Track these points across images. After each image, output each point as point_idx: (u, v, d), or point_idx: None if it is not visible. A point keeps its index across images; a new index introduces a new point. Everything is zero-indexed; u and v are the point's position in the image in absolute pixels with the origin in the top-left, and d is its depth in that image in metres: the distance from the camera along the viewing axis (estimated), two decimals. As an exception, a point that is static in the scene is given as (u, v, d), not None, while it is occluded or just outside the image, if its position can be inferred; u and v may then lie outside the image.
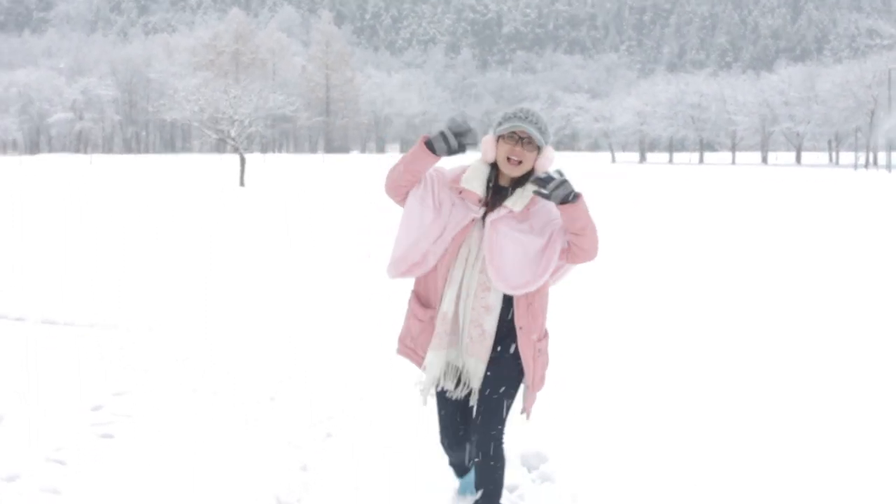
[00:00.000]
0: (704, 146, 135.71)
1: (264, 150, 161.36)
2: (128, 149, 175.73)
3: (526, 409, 4.87)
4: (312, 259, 16.47)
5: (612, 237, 18.36)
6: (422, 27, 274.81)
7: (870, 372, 8.49)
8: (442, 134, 4.46)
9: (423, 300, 4.84)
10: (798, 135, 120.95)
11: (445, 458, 5.26)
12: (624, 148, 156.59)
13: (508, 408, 4.76)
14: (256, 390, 7.65)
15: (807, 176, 65.65)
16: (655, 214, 27.93)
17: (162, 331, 10.11)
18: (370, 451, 6.23)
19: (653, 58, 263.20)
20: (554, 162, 4.63)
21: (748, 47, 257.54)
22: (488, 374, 4.69)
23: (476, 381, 4.72)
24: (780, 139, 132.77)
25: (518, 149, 4.52)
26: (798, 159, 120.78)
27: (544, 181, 4.38)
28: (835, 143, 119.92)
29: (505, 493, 5.27)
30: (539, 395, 4.90)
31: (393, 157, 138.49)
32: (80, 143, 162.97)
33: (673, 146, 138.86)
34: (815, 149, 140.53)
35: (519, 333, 4.66)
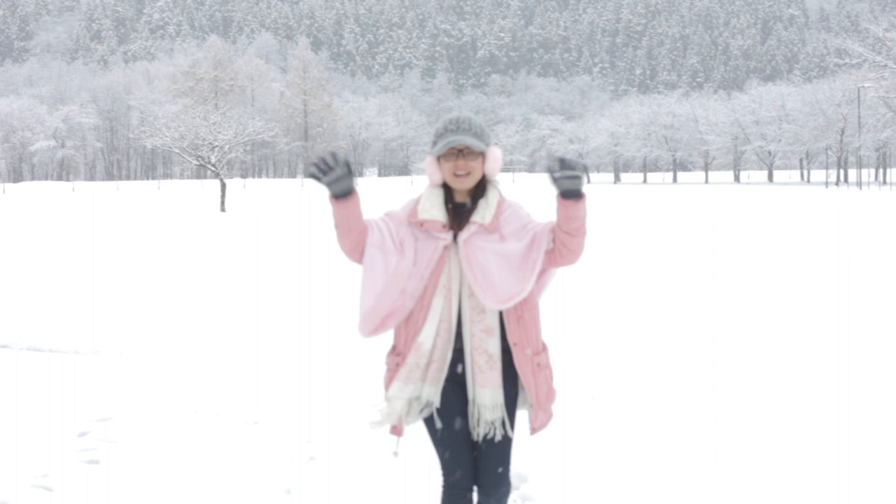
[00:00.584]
0: (678, 166, 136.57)
1: (244, 175, 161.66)
2: (109, 176, 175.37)
3: (534, 429, 4.55)
4: (294, 283, 16.60)
5: (593, 258, 18.77)
6: (398, 52, 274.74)
7: (847, 378, 8.74)
8: (313, 174, 4.32)
9: (400, 349, 4.49)
10: (770, 153, 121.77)
11: (433, 483, 5.03)
12: (598, 169, 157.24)
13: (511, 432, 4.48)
14: (240, 414, 7.73)
15: (779, 194, 66.19)
16: (631, 233, 28.21)
17: (145, 356, 10.26)
18: (353, 474, 6.28)
19: (625, 79, 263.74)
20: (500, 161, 4.43)
21: (719, 68, 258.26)
22: None
23: (494, 413, 4.38)
24: (752, 158, 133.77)
25: (461, 162, 4.32)
26: (770, 177, 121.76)
27: (561, 163, 4.22)
28: (806, 162, 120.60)
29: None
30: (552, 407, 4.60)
31: (371, 180, 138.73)
32: (62, 171, 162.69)
33: (647, 166, 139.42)
34: (786, 167, 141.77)
35: (513, 350, 4.39)
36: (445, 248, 4.36)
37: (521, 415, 4.63)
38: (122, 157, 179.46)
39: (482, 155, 4.38)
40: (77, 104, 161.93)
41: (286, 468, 6.45)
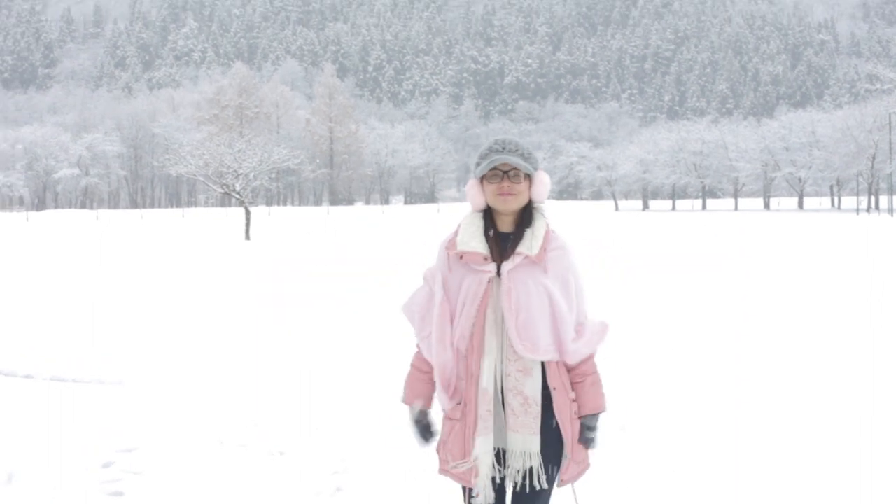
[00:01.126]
0: (707, 193, 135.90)
1: (269, 203, 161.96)
2: (133, 204, 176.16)
3: (563, 481, 4.17)
4: (319, 312, 16.26)
5: (623, 285, 18.46)
6: (424, 78, 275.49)
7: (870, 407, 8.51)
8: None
9: (459, 397, 4.17)
10: (800, 180, 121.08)
11: None
12: (627, 196, 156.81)
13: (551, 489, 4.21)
14: (266, 444, 7.59)
15: (810, 221, 65.52)
16: (661, 261, 27.82)
17: (169, 386, 10.10)
18: (381, 505, 6.13)
19: (654, 106, 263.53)
20: (548, 186, 4.19)
21: (748, 94, 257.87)
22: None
23: (527, 462, 4.08)
24: (782, 185, 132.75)
25: (506, 184, 4.06)
26: (800, 204, 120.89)
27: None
28: (837, 188, 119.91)
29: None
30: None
31: (397, 207, 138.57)
32: (85, 199, 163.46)
33: (675, 193, 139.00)
34: (817, 194, 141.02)
35: (553, 395, 4.08)
36: (490, 281, 4.06)
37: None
38: (146, 184, 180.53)
39: (528, 178, 4.14)
40: (101, 132, 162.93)
41: (313, 500, 6.31)
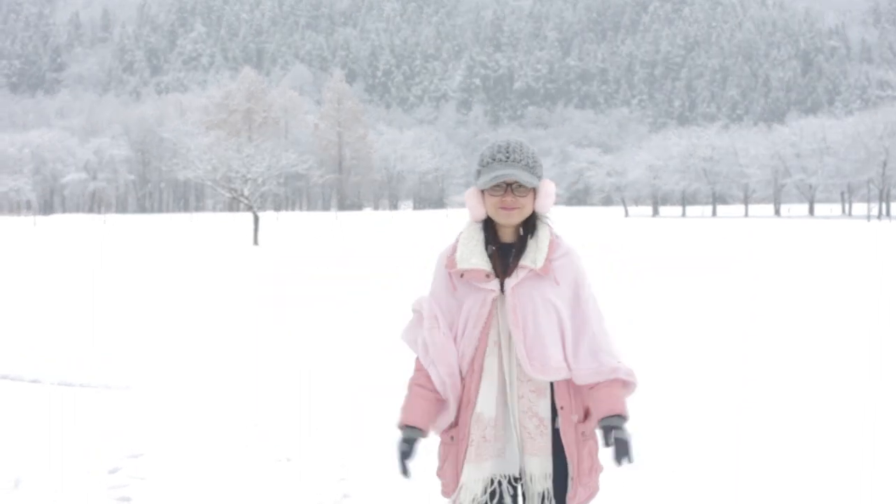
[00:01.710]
0: (717, 199, 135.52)
1: (278, 208, 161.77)
2: (141, 208, 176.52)
3: None
4: (326, 317, 16.10)
5: (633, 293, 18.33)
6: (433, 84, 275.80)
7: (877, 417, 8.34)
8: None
9: (455, 420, 3.90)
10: (810, 187, 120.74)
11: None
12: (636, 202, 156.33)
13: None
14: (273, 450, 7.50)
15: (820, 227, 65.38)
16: (671, 267, 27.68)
17: (176, 391, 9.99)
18: (387, 512, 6.02)
19: (664, 111, 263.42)
20: (553, 196, 3.88)
21: (759, 100, 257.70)
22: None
23: (545, 483, 3.82)
24: (792, 191, 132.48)
25: (509, 198, 3.73)
26: (811, 211, 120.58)
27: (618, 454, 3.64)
28: (847, 195, 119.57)
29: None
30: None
31: (406, 213, 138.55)
32: (93, 203, 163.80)
33: (686, 199, 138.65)
34: (827, 200, 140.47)
35: (560, 415, 3.78)
36: (493, 300, 3.76)
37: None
38: (153, 189, 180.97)
39: (533, 189, 3.81)
40: (109, 136, 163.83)
41: (319, 505, 6.18)
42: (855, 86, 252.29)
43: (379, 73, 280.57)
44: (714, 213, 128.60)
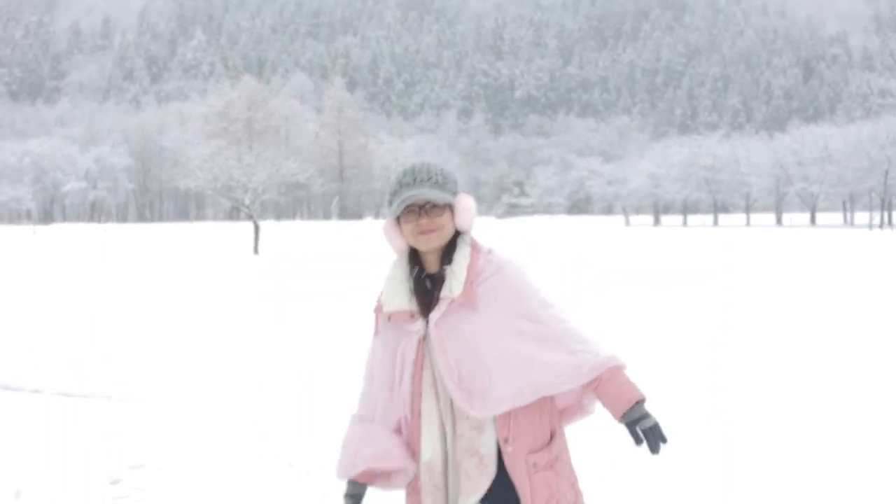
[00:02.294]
0: (718, 208, 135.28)
1: (278, 217, 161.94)
2: (142, 217, 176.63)
3: None
4: (327, 326, 16.20)
5: (640, 305, 18.14)
6: (434, 92, 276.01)
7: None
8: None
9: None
10: (812, 195, 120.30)
11: None
12: (637, 211, 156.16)
13: None
14: (276, 458, 7.57)
15: (822, 237, 65.30)
16: (673, 278, 27.51)
17: (177, 402, 10.05)
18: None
19: (665, 120, 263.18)
20: (473, 210, 3.64)
21: (761, 108, 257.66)
22: None
23: None
24: (794, 200, 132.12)
25: (424, 221, 3.52)
26: (813, 220, 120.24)
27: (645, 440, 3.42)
28: (849, 204, 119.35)
29: None
30: None
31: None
32: (93, 213, 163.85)
33: (687, 208, 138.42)
34: (829, 209, 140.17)
35: (502, 447, 3.47)
36: (420, 340, 3.53)
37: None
38: (154, 198, 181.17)
39: (449, 207, 3.60)
40: (109, 145, 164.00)
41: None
42: (857, 94, 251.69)
43: (380, 82, 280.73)
44: (715, 223, 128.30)
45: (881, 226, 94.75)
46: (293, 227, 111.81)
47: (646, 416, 3.45)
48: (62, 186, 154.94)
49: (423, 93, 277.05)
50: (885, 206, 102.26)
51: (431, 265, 3.61)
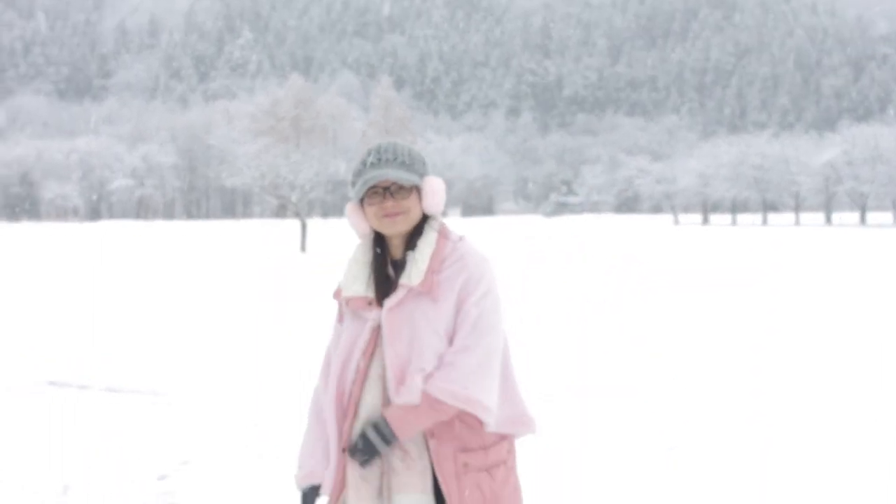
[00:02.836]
0: (767, 207, 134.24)
1: (325, 215, 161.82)
2: (188, 215, 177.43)
3: None
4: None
5: (677, 299, 18.02)
6: (482, 91, 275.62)
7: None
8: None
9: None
10: (862, 195, 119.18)
11: None
12: (686, 210, 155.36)
13: None
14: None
15: (872, 236, 64.76)
16: (721, 276, 27.33)
17: (225, 398, 10.11)
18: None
19: (714, 119, 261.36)
20: (442, 194, 3.44)
21: (810, 107, 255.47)
22: None
23: None
24: (843, 199, 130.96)
25: (388, 203, 3.34)
26: (863, 219, 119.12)
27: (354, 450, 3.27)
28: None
29: None
30: None
31: (454, 220, 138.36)
32: (140, 210, 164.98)
33: (736, 207, 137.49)
34: (879, 208, 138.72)
35: (430, 445, 3.27)
36: (373, 329, 3.34)
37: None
38: (201, 196, 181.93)
39: (416, 189, 3.42)
40: (156, 143, 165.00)
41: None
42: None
43: (427, 81, 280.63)
44: (764, 221, 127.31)
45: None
46: (340, 226, 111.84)
47: (375, 428, 3.24)
48: (109, 184, 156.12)
49: (471, 91, 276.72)
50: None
51: (396, 251, 3.44)
